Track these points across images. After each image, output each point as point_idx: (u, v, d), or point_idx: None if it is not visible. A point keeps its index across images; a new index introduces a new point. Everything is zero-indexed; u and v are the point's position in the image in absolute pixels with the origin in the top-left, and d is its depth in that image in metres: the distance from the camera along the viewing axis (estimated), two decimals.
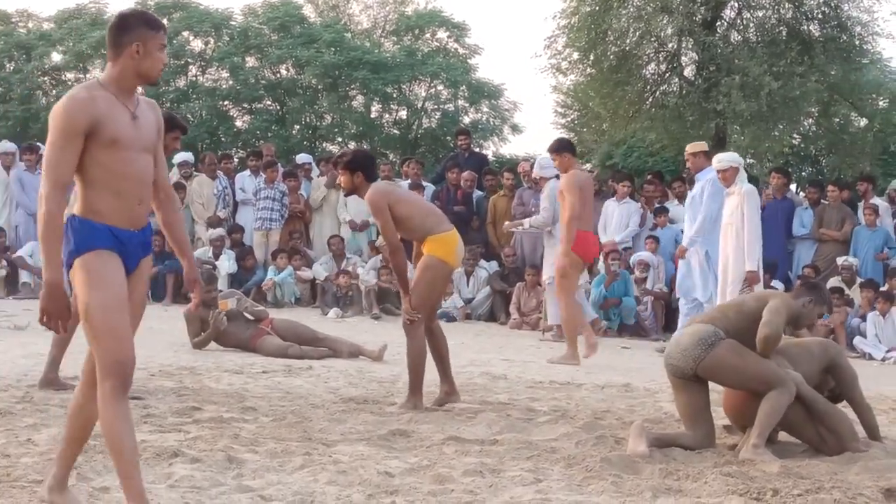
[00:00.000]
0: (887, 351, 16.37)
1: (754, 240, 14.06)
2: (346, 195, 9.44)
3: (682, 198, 19.57)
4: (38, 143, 21.28)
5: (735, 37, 23.23)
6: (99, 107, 5.29)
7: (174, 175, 21.51)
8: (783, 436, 8.25)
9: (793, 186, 21.55)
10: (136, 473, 5.28)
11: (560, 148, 13.94)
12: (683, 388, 7.97)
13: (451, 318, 18.27)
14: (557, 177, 14.61)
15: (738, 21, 23.45)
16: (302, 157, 22.91)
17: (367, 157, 9.73)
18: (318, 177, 21.58)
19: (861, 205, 19.18)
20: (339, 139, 40.19)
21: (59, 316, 5.20)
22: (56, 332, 5.31)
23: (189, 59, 39.30)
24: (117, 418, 5.23)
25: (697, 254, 14.97)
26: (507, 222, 17.90)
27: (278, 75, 39.58)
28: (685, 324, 13.38)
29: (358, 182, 9.42)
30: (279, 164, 21.44)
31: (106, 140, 5.27)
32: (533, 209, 19.48)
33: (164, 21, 30.20)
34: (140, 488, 5.26)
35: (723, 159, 14.56)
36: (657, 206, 19.83)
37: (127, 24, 5.50)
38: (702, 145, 15.51)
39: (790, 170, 24.71)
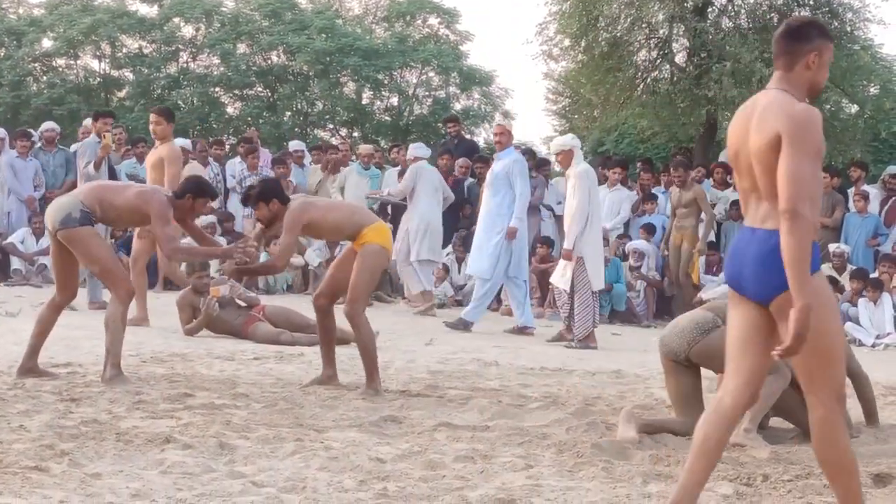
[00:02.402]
0: (877, 337, 16.42)
1: (577, 219, 14.15)
2: (265, 226, 9.54)
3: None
4: (30, 130, 21.28)
5: (726, 23, 23.21)
6: None
7: None
8: (774, 421, 8.27)
9: None
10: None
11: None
12: (675, 372, 7.98)
13: (442, 305, 18.28)
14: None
15: (730, 7, 23.43)
16: (294, 144, 22.89)
17: (274, 183, 10.00)
18: (310, 163, 21.57)
19: (852, 191, 19.21)
20: (331, 125, 40.20)
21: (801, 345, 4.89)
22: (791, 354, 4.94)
23: (180, 46, 39.26)
24: (846, 439, 5.16)
25: (501, 233, 15.16)
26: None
27: (269, 62, 39.55)
28: None
29: (275, 209, 9.48)
30: (267, 150, 21.40)
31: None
32: None
33: (155, 8, 30.08)
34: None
35: (558, 143, 14.81)
36: (648, 193, 19.90)
37: (805, 33, 5.26)
38: (507, 124, 15.92)
39: None
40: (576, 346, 13.98)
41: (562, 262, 14.43)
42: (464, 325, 14.89)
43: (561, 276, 14.31)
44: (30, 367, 9.38)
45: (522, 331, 15.08)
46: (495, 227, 15.16)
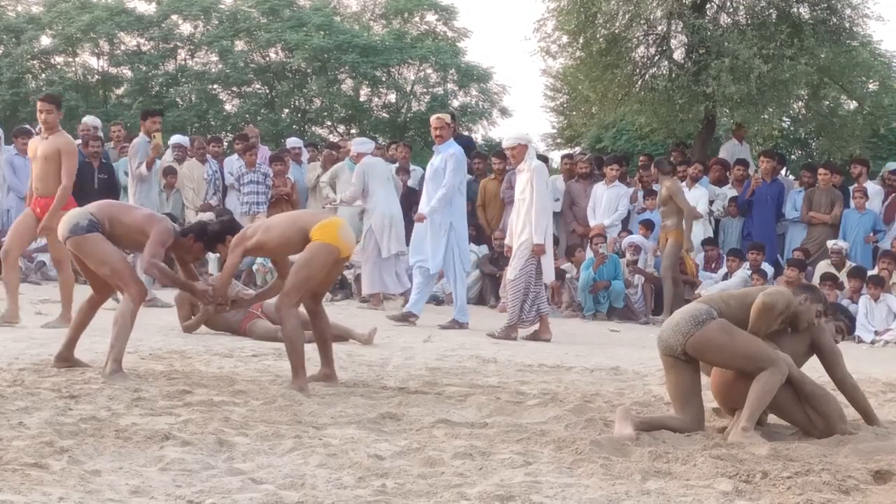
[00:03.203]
0: (876, 333, 16.43)
1: (542, 214, 14.28)
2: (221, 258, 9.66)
3: (695, 179, 19.73)
4: (28, 127, 21.26)
5: (725, 19, 23.21)
6: None
7: (167, 157, 21.50)
8: (772, 418, 8.27)
9: (784, 170, 21.56)
10: None
11: None
12: (673, 368, 7.97)
13: (439, 301, 18.31)
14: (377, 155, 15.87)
15: (728, 3, 23.43)
16: (292, 141, 22.90)
17: (223, 224, 9.93)
18: (307, 160, 21.58)
19: (852, 188, 19.24)
20: (329, 122, 40.20)
21: None
22: None
23: (178, 43, 39.28)
24: None
25: (442, 225, 15.25)
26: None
27: (267, 59, 39.57)
28: None
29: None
30: (266, 148, 21.38)
31: None
32: None
33: (153, 5, 30.00)
34: None
35: (511, 138, 14.85)
36: (648, 189, 19.91)
37: None
38: (446, 117, 15.85)
39: (782, 153, 24.71)
40: (498, 336, 14.12)
41: (514, 255, 14.50)
42: (403, 318, 14.90)
43: (512, 267, 14.47)
44: (66, 357, 9.69)
45: (406, 318, 15.20)
46: (435, 220, 15.26)
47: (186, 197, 20.27)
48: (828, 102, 24.03)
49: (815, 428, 7.85)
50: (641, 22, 22.95)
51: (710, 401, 8.42)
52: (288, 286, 9.47)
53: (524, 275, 14.20)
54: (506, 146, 14.96)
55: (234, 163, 20.76)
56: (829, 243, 18.05)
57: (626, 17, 22.71)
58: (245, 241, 9.46)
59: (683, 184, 19.86)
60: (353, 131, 38.64)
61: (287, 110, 39.59)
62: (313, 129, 39.34)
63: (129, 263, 9.67)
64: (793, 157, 31.44)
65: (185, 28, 39.63)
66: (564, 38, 23.54)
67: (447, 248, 15.21)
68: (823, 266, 17.85)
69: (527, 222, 14.25)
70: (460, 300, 15.45)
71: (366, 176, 17.23)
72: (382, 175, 17.48)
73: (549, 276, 14.68)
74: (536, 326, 14.46)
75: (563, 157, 22.31)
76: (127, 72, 39.46)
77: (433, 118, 15.73)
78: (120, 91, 39.82)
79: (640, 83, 23.71)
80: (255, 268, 19.07)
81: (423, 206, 15.43)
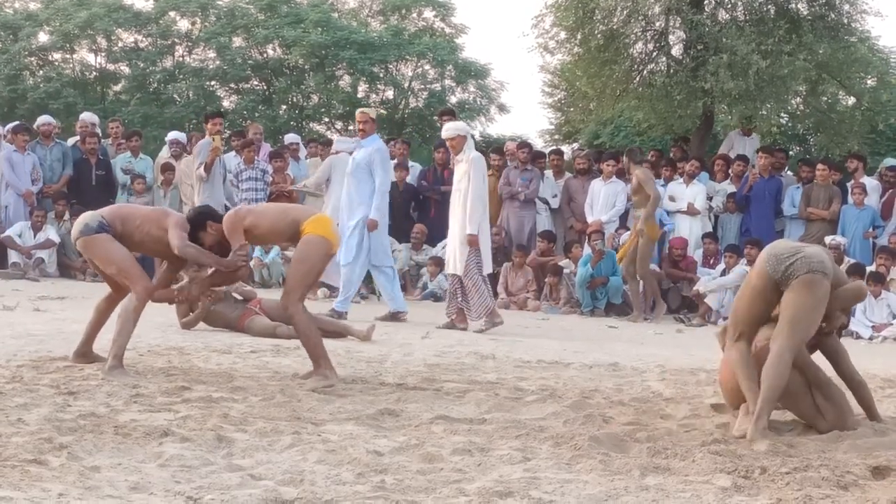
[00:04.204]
0: (873, 328, 16.44)
1: (477, 205, 14.41)
2: (216, 246, 9.64)
3: (692, 176, 19.73)
4: (26, 124, 21.26)
5: (723, 15, 23.18)
6: None
7: (164, 154, 21.50)
8: (772, 414, 8.28)
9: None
10: None
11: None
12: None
13: (438, 298, 18.31)
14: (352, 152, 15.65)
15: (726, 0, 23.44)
16: (290, 138, 22.89)
17: (200, 211, 10.03)
18: (305, 157, 21.57)
19: (850, 184, 19.25)
20: (326, 119, 40.16)
21: None
22: None
23: (176, 40, 39.24)
24: None
25: (361, 221, 15.30)
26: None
27: (265, 55, 39.51)
28: None
29: (214, 230, 9.59)
30: (268, 144, 21.35)
31: None
32: (519, 188, 19.54)
33: (150, 2, 29.88)
34: None
35: (450, 128, 14.96)
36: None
37: None
38: (370, 111, 16.05)
39: (785, 149, 24.71)
40: (484, 327, 14.11)
41: (454, 249, 14.57)
42: (337, 316, 14.90)
43: (455, 263, 14.49)
44: (84, 353, 9.82)
45: (395, 317, 15.16)
46: (356, 215, 15.29)
47: (184, 193, 20.24)
48: (826, 98, 24.03)
49: (823, 419, 7.83)
50: (639, 18, 22.93)
51: (708, 396, 8.42)
52: (288, 284, 9.53)
53: (473, 265, 14.33)
54: (445, 136, 15.11)
55: (231, 159, 20.73)
56: (828, 239, 18.04)
57: (624, 12, 22.68)
58: (241, 220, 9.50)
59: (681, 180, 19.87)
60: (350, 128, 38.60)
61: (285, 107, 39.54)
62: (311, 125, 39.30)
63: (135, 262, 9.67)
64: (791, 153, 31.46)
65: (183, 25, 39.60)
66: (562, 34, 23.52)
67: (361, 241, 15.25)
68: None
69: (465, 214, 14.38)
70: (386, 292, 15.52)
71: (332, 169, 17.32)
72: (344, 173, 17.48)
73: (486, 268, 14.76)
74: (455, 315, 14.53)
75: (551, 152, 22.26)
76: (125, 68, 39.41)
77: (358, 112, 15.93)
78: (117, 88, 39.78)
79: (638, 79, 23.70)
80: (251, 263, 19.03)
81: (346, 204, 15.53)
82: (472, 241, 14.32)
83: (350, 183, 15.43)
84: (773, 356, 7.66)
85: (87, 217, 9.57)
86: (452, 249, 14.61)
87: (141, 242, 9.63)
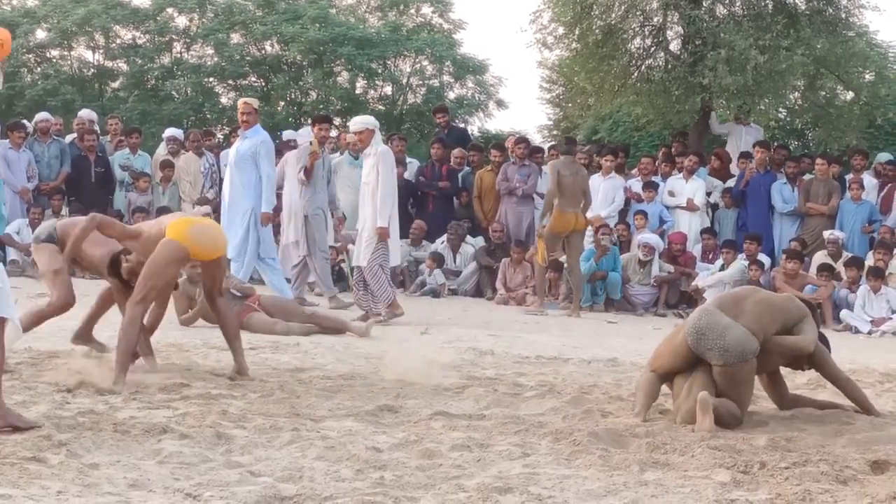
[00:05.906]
0: (872, 323, 16.43)
1: (387, 197, 14.48)
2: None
3: (691, 171, 19.71)
4: (23, 122, 21.22)
5: (721, 10, 23.14)
6: None
7: (161, 151, 21.46)
8: (764, 407, 8.29)
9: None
10: None
11: None
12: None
13: (436, 295, 18.31)
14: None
15: None
16: (288, 134, 22.86)
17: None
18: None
19: (849, 178, 19.24)
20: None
21: None
22: None
23: (173, 36, 39.17)
24: None
25: (246, 213, 15.39)
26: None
27: (263, 52, 39.46)
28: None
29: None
30: None
31: None
32: (518, 184, 19.52)
33: None
34: None
35: (357, 122, 15.15)
36: (647, 180, 19.90)
37: None
38: (253, 102, 16.21)
39: (786, 144, 24.70)
40: (385, 318, 14.13)
41: (362, 241, 14.62)
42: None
43: (360, 255, 14.59)
44: (82, 335, 10.09)
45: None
46: (240, 207, 15.37)
47: (183, 190, 20.23)
48: (824, 93, 23.98)
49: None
50: (637, 13, 22.91)
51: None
52: (137, 283, 9.35)
53: (377, 259, 14.38)
54: (353, 130, 15.35)
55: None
56: (826, 233, 18.04)
57: (622, 8, 22.66)
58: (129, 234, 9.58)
59: (680, 175, 19.87)
60: (349, 124, 38.55)
61: (283, 103, 39.48)
62: (309, 122, 39.24)
63: (66, 276, 9.74)
64: (789, 147, 31.42)
65: (181, 21, 39.51)
66: (560, 30, 23.48)
67: (246, 233, 15.29)
68: (820, 256, 17.85)
69: (374, 207, 14.42)
70: (274, 286, 15.46)
71: (285, 165, 16.95)
72: (296, 169, 17.36)
73: (395, 260, 14.92)
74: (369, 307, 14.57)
75: (550, 147, 22.25)
76: (123, 65, 39.34)
77: (240, 102, 16.06)
78: (115, 84, 39.72)
79: (636, 74, 23.67)
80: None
81: (228, 195, 15.63)
82: (383, 234, 14.42)
83: (233, 174, 15.53)
84: None
85: (46, 225, 9.92)
86: (359, 242, 14.66)
87: (80, 260, 9.77)
